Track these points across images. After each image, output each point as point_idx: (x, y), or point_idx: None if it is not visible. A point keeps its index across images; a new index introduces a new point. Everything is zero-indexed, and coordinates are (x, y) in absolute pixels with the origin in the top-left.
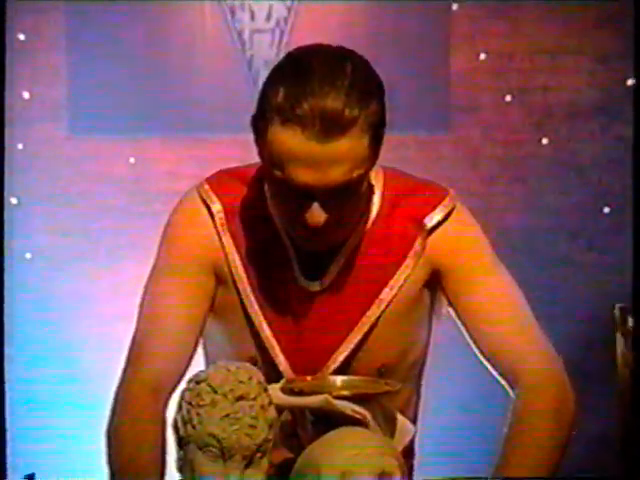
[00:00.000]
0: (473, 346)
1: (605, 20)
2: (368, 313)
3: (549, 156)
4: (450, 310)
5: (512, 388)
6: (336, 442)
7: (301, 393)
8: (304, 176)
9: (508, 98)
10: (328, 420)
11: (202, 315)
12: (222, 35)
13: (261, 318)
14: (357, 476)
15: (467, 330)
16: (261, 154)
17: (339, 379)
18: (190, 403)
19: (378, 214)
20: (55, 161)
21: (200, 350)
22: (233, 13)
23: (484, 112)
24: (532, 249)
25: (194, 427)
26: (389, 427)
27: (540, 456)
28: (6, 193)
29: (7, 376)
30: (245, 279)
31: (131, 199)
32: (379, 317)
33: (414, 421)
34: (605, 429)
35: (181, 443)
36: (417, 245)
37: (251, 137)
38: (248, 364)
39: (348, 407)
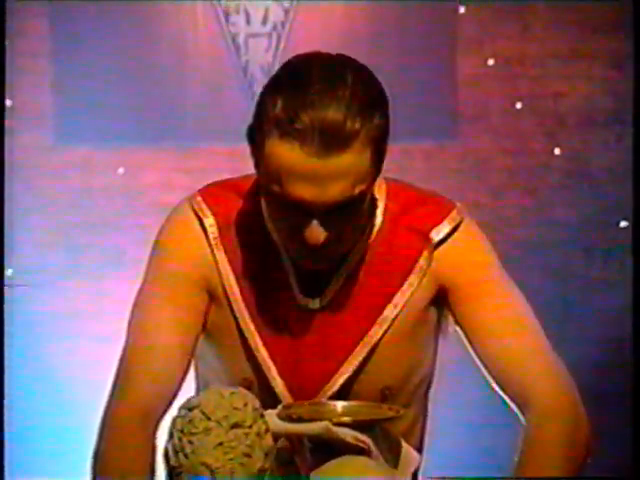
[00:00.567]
0: (481, 366)
1: (620, 24)
2: (370, 332)
3: (561, 166)
4: (457, 328)
5: (522, 413)
6: (336, 472)
7: (300, 420)
8: (303, 192)
9: (518, 105)
10: (328, 448)
11: (194, 335)
12: (216, 39)
13: (257, 338)
14: None
15: (474, 350)
16: (257, 166)
17: (340, 404)
18: (182, 431)
19: (381, 228)
20: (39, 171)
21: (192, 372)
22: (227, 16)
23: (493, 120)
24: (544, 265)
25: (186, 456)
26: (392, 456)
27: None
28: None
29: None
30: (239, 297)
31: (119, 211)
32: (382, 337)
33: (420, 448)
34: (622, 457)
35: (172, 473)
36: (422, 260)
37: (247, 147)
38: (243, 389)
39: (349, 435)
